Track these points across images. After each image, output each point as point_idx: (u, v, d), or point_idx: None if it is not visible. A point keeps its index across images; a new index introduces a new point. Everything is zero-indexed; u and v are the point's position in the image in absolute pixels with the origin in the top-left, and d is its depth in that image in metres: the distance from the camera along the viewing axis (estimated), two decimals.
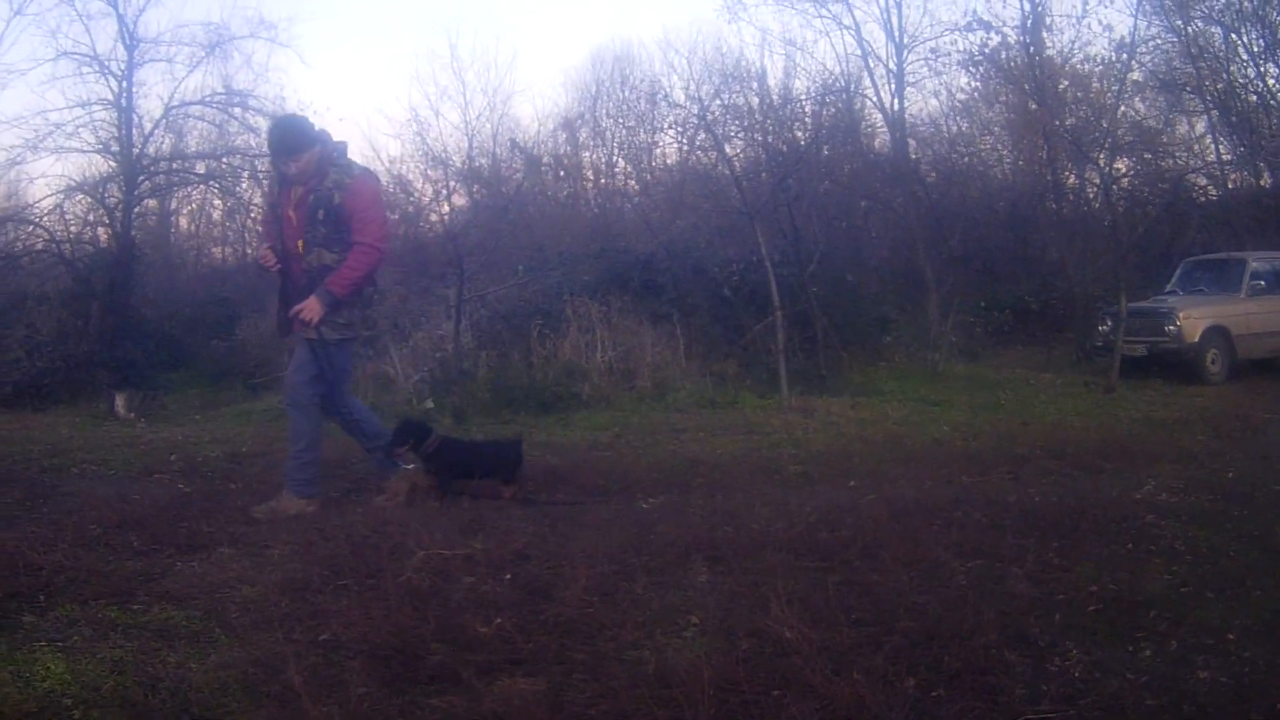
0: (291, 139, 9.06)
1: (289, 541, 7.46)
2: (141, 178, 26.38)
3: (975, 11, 27.10)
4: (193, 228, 36.11)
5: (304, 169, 8.89)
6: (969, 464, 10.22)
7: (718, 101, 28.46)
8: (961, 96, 29.85)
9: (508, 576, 6.28)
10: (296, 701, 4.66)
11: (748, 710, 4.46)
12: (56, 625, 5.79)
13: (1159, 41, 26.49)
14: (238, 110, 28.10)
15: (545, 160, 30.62)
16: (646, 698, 4.52)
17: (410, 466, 9.33)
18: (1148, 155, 27.11)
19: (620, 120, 33.06)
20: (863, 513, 7.65)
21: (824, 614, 5.41)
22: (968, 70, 27.88)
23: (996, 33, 26.18)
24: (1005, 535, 7.00)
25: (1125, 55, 25.21)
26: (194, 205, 35.53)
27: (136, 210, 26.63)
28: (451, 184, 32.24)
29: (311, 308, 8.77)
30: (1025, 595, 5.81)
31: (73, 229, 25.34)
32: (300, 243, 9.07)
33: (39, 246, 24.71)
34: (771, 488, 9.31)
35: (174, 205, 33.10)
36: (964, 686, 4.62)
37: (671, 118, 30.04)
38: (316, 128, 9.29)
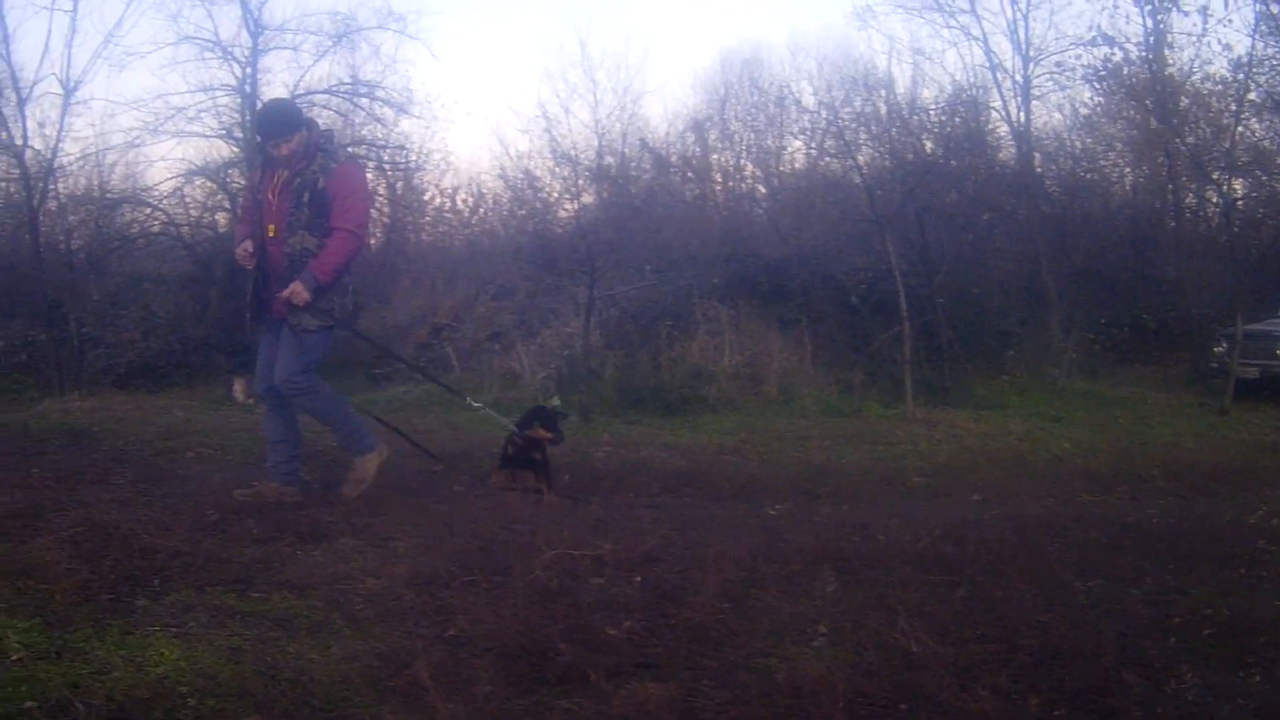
0: (281, 121, 9.15)
1: (414, 535, 7.51)
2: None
3: (1099, 26, 26.76)
4: None
5: (293, 151, 8.95)
6: (1089, 482, 10.30)
7: (846, 109, 28.26)
8: (1085, 111, 29.56)
9: (637, 579, 6.25)
10: (422, 697, 4.66)
11: None
12: (172, 610, 5.81)
13: (1276, 62, 26.24)
14: (364, 100, 28.24)
15: (674, 161, 30.53)
16: (777, 707, 4.52)
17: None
18: (1264, 177, 26.86)
19: (748, 123, 32.85)
20: (987, 528, 7.65)
21: (950, 628, 5.45)
22: (1091, 85, 27.66)
23: (1119, 48, 25.90)
24: (1124, 556, 7.01)
25: (1242, 75, 25.00)
26: None
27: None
28: (580, 182, 32.39)
29: (298, 291, 8.78)
30: (1143, 616, 5.77)
31: (192, 213, 25.57)
32: (273, 227, 9.08)
33: (156, 229, 25.14)
34: (897, 499, 9.44)
35: None
36: (1085, 707, 4.62)
37: (801, 123, 30.12)
38: (306, 114, 9.54)
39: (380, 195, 29.29)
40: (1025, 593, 6.13)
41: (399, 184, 29.84)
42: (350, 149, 28.34)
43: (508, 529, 7.46)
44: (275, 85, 31.02)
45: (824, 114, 28.33)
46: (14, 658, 5.05)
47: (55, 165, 24.16)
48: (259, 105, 25.65)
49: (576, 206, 29.44)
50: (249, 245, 9.02)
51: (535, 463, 9.31)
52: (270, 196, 8.95)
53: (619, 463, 11.00)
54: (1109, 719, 4.58)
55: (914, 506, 8.98)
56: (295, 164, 8.92)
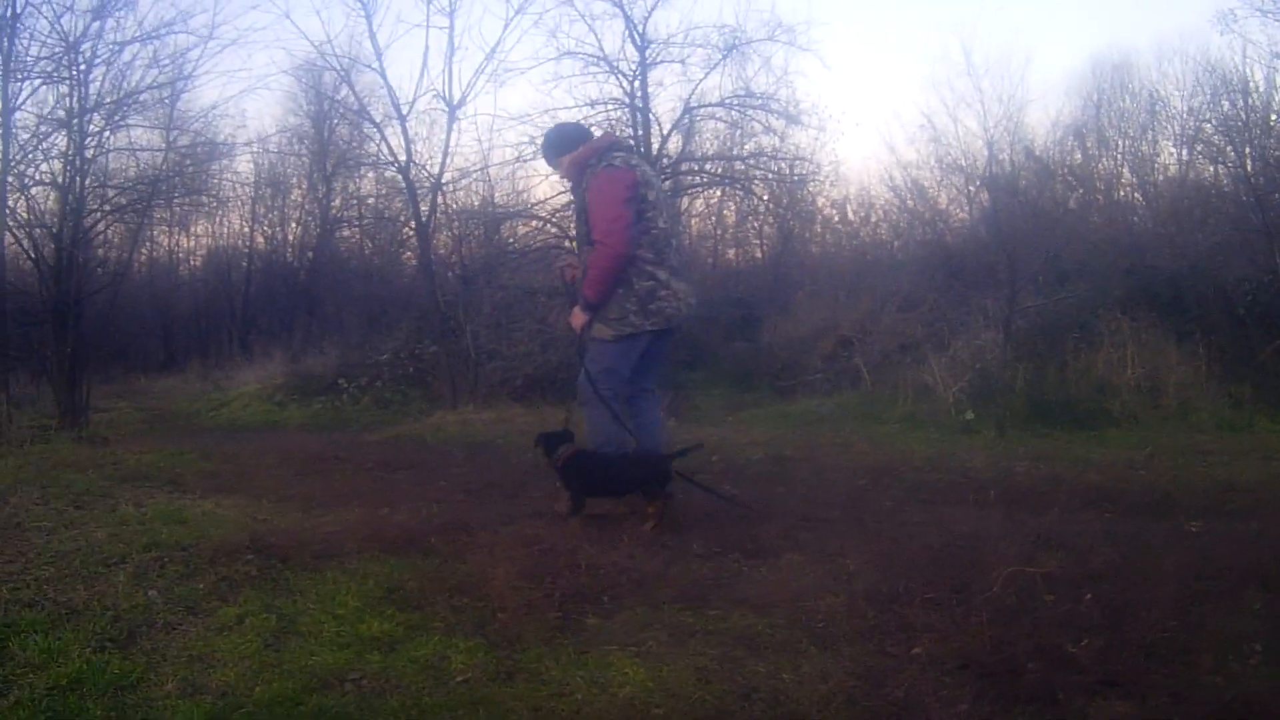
0: (555, 142, 9.63)
1: (861, 551, 7.51)
2: (663, 177, 26.19)
3: None
4: (706, 228, 36.79)
5: (568, 171, 9.44)
6: None
7: (1214, 113, 28.13)
8: None
9: (1088, 596, 6.18)
10: (901, 716, 4.78)
11: None
12: (627, 629, 5.97)
13: None
14: (759, 113, 28.90)
15: (1061, 169, 30.56)
16: None
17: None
18: None
19: (1122, 129, 32.78)
20: None
21: None
22: None
23: None
24: None
25: None
26: (708, 206, 36.27)
27: None
28: (973, 190, 32.88)
29: (576, 317, 9.23)
30: None
31: None
32: (576, 244, 9.71)
33: (548, 242, 26.18)
34: None
35: (685, 205, 33.64)
36: None
37: (1172, 129, 29.94)
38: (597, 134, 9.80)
39: (768, 207, 30.11)
40: None
41: (785, 196, 30.50)
42: (739, 163, 29.21)
43: (953, 544, 7.56)
44: (666, 99, 31.72)
45: (1194, 121, 28.36)
46: (459, 678, 5.30)
47: (443, 180, 25.45)
48: (650, 119, 27.16)
49: (968, 216, 29.99)
50: (569, 268, 9.78)
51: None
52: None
53: (1039, 477, 11.12)
54: None
55: None
56: (575, 182, 9.46)
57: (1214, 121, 27.46)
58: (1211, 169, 27.20)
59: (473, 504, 9.75)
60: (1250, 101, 26.44)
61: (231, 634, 5.98)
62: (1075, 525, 8.43)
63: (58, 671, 5.33)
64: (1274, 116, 25.58)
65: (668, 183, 27.74)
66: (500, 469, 10.96)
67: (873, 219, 33.20)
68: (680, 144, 30.53)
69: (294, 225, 45.81)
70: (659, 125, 28.36)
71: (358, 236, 44.19)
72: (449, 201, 27.57)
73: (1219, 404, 15.96)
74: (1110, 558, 7.12)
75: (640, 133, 27.90)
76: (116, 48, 22.42)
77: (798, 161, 30.03)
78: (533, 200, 30.43)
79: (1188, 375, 16.47)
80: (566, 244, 25.08)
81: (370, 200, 41.89)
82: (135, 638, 5.95)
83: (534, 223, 28.51)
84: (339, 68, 28.00)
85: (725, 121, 30.39)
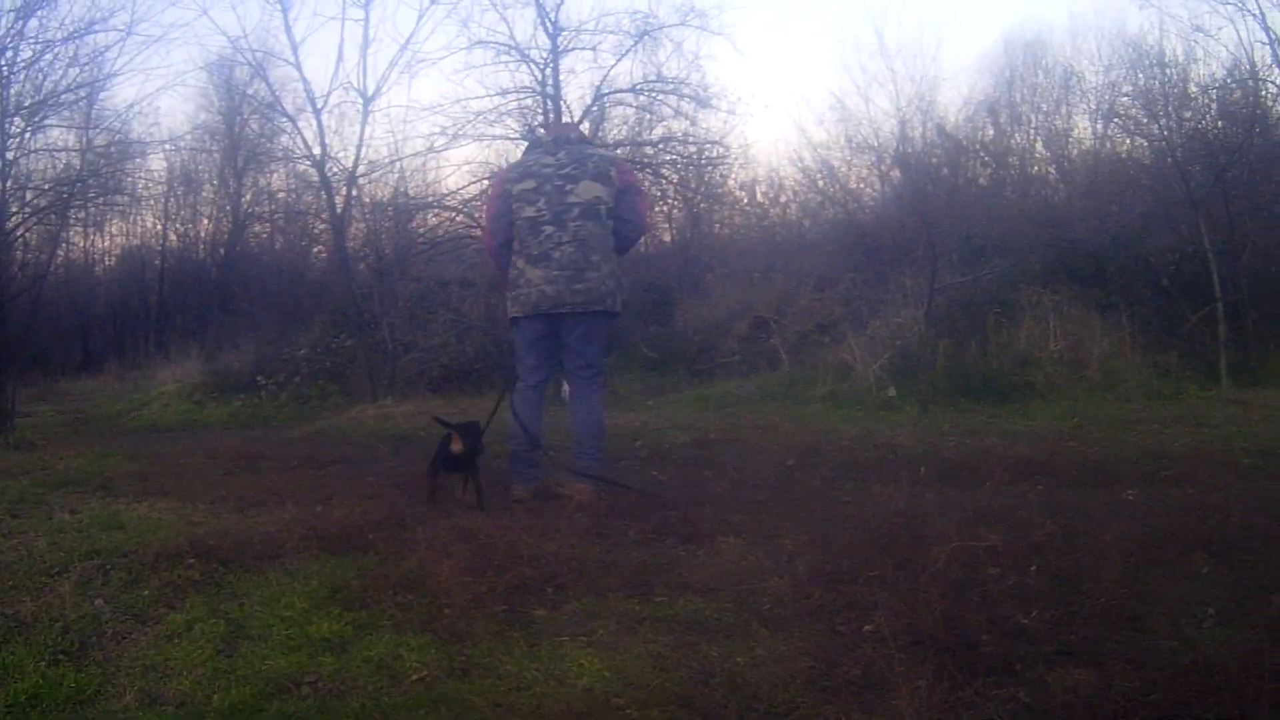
0: None
1: (798, 532, 7.53)
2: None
3: None
4: None
5: None
6: None
7: (1129, 87, 28.28)
8: None
9: (1033, 568, 6.12)
10: (862, 695, 4.73)
11: None
12: (575, 619, 5.93)
13: None
14: (672, 98, 28.74)
15: (974, 146, 30.67)
16: (1191, 688, 4.54)
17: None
18: None
19: (1036, 105, 33.10)
20: None
21: None
22: None
23: None
24: None
25: None
26: None
27: None
28: (884, 169, 32.90)
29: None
30: None
31: None
32: None
33: (459, 232, 25.92)
34: (1232, 480, 9.34)
35: None
36: None
37: (1088, 103, 30.21)
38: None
39: (677, 190, 30.05)
40: None
41: (694, 179, 30.48)
42: (648, 148, 29.13)
43: (890, 522, 7.30)
44: (577, 86, 31.61)
45: (1110, 95, 28.61)
46: (415, 677, 5.24)
47: (356, 174, 25.32)
48: (561, 106, 26.95)
49: (879, 195, 29.96)
50: None
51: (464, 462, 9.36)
52: None
53: (967, 452, 11.12)
54: None
55: (1252, 488, 8.93)
56: None
57: (1131, 95, 27.71)
58: (1128, 142, 27.49)
59: (405, 498, 9.69)
60: (1169, 74, 26.82)
61: (182, 641, 5.87)
62: (1011, 499, 8.38)
63: (14, 688, 5.21)
64: (1193, 88, 25.89)
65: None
66: (426, 462, 10.46)
67: (782, 199, 33.25)
68: (590, 130, 29.76)
69: (206, 222, 45.19)
70: (570, 113, 28.04)
71: (269, 231, 43.76)
72: (363, 194, 27.50)
73: (1145, 373, 16.11)
74: (1051, 529, 7.05)
75: (550, 119, 27.12)
76: (41, 47, 22.04)
77: (708, 145, 29.92)
78: (444, 191, 30.27)
79: (1112, 346, 16.58)
80: (475, 233, 24.76)
81: (281, 195, 41.50)
82: (87, 649, 5.84)
83: (445, 213, 28.25)
84: (253, 62, 27.85)
85: (635, 107, 30.19)
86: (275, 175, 43.09)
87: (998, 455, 10.82)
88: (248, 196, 44.60)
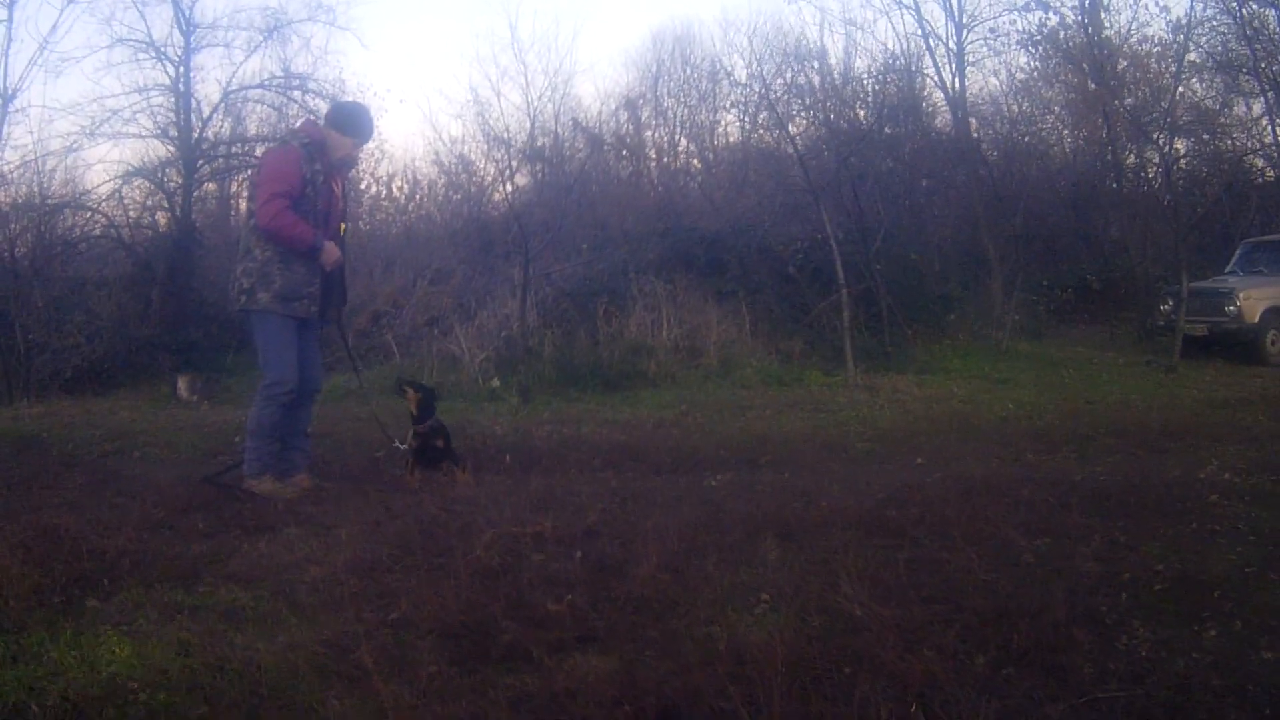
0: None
1: (357, 521, 7.46)
2: (201, 162, 26.48)
3: None
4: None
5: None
6: (1035, 442, 10.35)
7: (779, 80, 28.64)
8: (1021, 76, 30.13)
9: (578, 554, 6.22)
10: (367, 681, 4.65)
11: (819, 687, 4.36)
12: (122, 609, 5.79)
13: (1215, 23, 26.33)
14: (297, 94, 28.19)
15: (608, 140, 30.66)
16: (719, 675, 4.45)
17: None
18: (1206, 136, 27.19)
19: (682, 99, 33.30)
20: (930, 490, 7.67)
21: (894, 591, 5.43)
22: (1027, 50, 28.30)
23: (1054, 13, 26.50)
24: (1072, 514, 6.98)
25: (1182, 36, 25.50)
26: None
27: (196, 194, 26.72)
28: (513, 164, 32.48)
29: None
30: (1093, 574, 5.78)
31: (131, 214, 25.46)
32: (345, 225, 9.32)
33: (97, 232, 24.95)
34: (839, 465, 9.47)
35: (234, 189, 32.34)
36: (1033, 664, 4.58)
37: (734, 96, 30.25)
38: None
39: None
40: (970, 554, 6.09)
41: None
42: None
43: (448, 510, 7.45)
44: (209, 83, 30.96)
45: (756, 87, 28.72)
46: None
47: None
48: (191, 104, 26.16)
49: (510, 189, 29.50)
50: (334, 252, 9.02)
51: (441, 452, 9.32)
52: (339, 194, 9.09)
53: (560, 440, 11.03)
54: (1059, 676, 4.52)
55: (857, 472, 9.01)
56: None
57: (778, 89, 27.89)
58: (771, 135, 27.53)
59: (10, 496, 9.12)
60: (824, 67, 27.82)
61: None
62: (587, 485, 8.43)
63: None
64: (836, 77, 26.16)
65: (206, 167, 27.50)
66: (41, 462, 10.41)
67: (419, 195, 32.53)
68: (230, 128, 29.72)
69: None
70: (201, 110, 27.36)
71: None
72: (1, 196, 25.99)
73: (766, 360, 16.00)
74: (611, 515, 7.16)
75: (183, 117, 26.83)
76: None
77: None
78: (81, 190, 28.69)
79: (730, 334, 16.43)
80: (113, 233, 24.33)
81: None
82: None
83: (87, 213, 26.85)
84: None
85: (270, 105, 29.40)
86: None
87: (589, 443, 10.73)
88: None
